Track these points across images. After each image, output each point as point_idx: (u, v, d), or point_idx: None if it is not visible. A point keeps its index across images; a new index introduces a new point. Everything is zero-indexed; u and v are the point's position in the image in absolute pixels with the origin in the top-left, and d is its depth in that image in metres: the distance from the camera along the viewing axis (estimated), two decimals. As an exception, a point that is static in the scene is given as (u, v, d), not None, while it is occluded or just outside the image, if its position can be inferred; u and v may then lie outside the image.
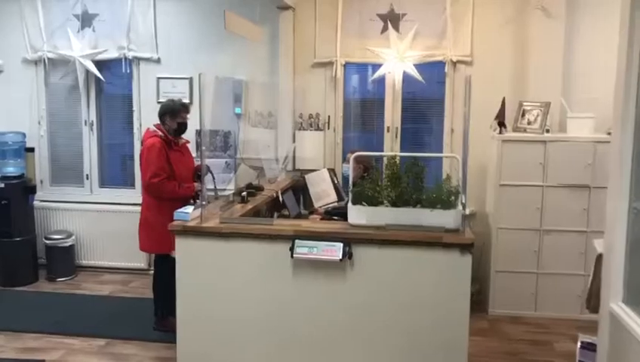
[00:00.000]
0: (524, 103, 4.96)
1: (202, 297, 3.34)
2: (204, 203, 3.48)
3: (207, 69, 5.58)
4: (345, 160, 4.63)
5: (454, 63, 5.24)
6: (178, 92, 5.65)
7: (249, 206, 3.94)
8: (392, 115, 5.44)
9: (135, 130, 5.77)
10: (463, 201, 3.14)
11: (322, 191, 5.25)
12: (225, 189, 4.72)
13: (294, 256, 3.13)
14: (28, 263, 5.56)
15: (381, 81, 5.39)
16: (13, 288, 5.40)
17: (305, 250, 3.11)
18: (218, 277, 3.31)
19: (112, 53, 5.67)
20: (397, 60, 5.20)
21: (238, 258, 3.27)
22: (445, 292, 3.09)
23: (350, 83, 5.53)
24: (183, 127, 4.41)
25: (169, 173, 4.22)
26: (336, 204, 5.20)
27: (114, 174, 6.05)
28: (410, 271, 3.11)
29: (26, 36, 5.75)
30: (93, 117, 5.86)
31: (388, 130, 5.46)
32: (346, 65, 5.43)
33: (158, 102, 5.62)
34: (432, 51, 5.24)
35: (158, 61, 5.67)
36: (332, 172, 5.39)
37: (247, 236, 3.23)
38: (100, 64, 5.71)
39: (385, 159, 3.49)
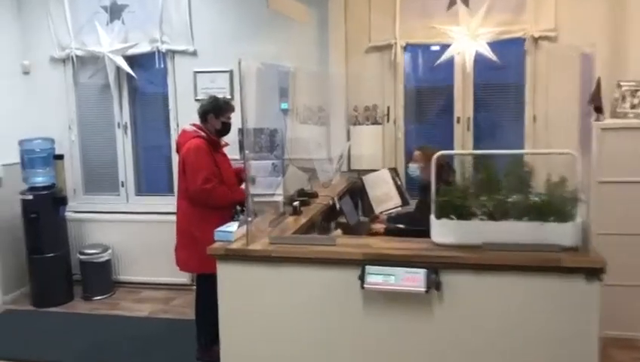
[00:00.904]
0: (623, 84, 4.13)
1: (249, 333, 2.70)
2: (249, 218, 2.84)
3: (247, 61, 4.98)
4: (412, 159, 3.91)
5: (536, 40, 4.44)
6: (217, 87, 5.05)
7: (303, 219, 3.29)
8: (463, 102, 4.68)
9: (172, 131, 5.20)
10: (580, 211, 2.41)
11: (383, 195, 4.57)
12: (273, 194, 4.09)
13: (365, 286, 2.45)
14: (62, 281, 5.08)
15: (448, 64, 4.64)
16: (47, 309, 4.93)
17: (379, 278, 2.42)
18: (268, 310, 2.66)
19: (143, 47, 5.12)
20: (468, 39, 4.44)
21: (292, 287, 2.61)
22: (565, 332, 2.35)
23: (412, 68, 4.80)
24: (227, 128, 3.85)
25: (219, 178, 3.64)
26: (400, 208, 4.52)
27: (151, 180, 5.52)
28: (517, 304, 2.39)
29: (52, 33, 5.26)
30: (126, 118, 5.33)
31: (458, 121, 4.71)
32: (407, 47, 4.70)
33: (196, 100, 5.07)
34: (509, 27, 4.45)
35: (194, 54, 5.09)
36: (394, 172, 4.69)
37: (304, 261, 2.56)
38: (131, 60, 5.16)
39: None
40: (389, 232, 3.90)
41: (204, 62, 5.08)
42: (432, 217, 2.55)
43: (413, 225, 3.80)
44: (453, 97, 4.70)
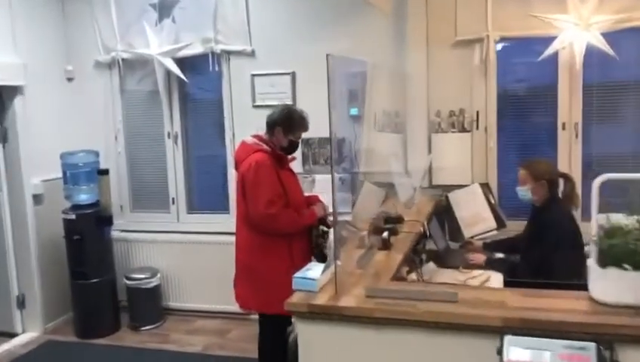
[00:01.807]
0: None
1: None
2: (338, 262, 2.20)
3: (312, 62, 4.37)
4: (519, 180, 3.20)
5: (662, 28, 3.67)
6: (278, 92, 4.47)
7: (396, 255, 2.64)
8: (570, 106, 3.93)
9: (227, 142, 4.64)
10: None
11: (475, 216, 3.88)
12: (342, 213, 3.47)
13: (506, 363, 1.77)
14: (108, 309, 4.58)
15: (550, 60, 3.90)
16: (91, 340, 4.43)
17: (526, 354, 1.75)
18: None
19: (196, 48, 4.57)
20: (578, 29, 3.69)
21: (400, 357, 1.96)
22: None
23: (506, 66, 4.07)
24: (294, 147, 3.28)
25: (285, 200, 3.05)
26: (495, 232, 3.82)
27: (205, 197, 4.97)
28: None
29: (97, 35, 4.78)
30: (177, 127, 4.80)
31: (563, 128, 3.96)
32: (501, 42, 3.99)
33: (254, 106, 4.51)
34: (629, 13, 3.68)
35: (252, 54, 4.51)
36: (486, 188, 3.99)
37: (415, 324, 1.91)
38: (182, 62, 4.62)
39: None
40: (492, 265, 3.22)
41: (262, 64, 4.49)
42: (591, 264, 1.86)
43: (528, 260, 3.10)
44: (557, 99, 3.96)
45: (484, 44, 3.97)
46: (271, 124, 3.21)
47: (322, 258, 3.18)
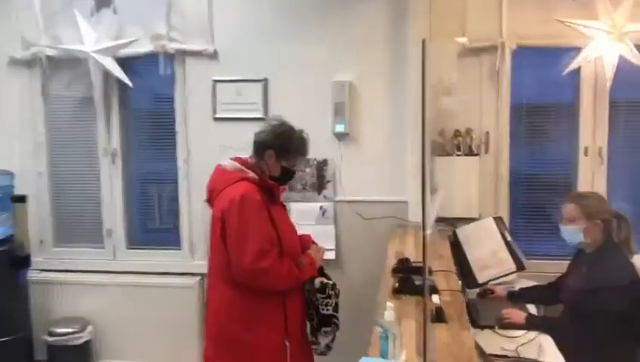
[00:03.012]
0: None
1: None
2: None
3: (288, 67, 3.64)
4: (565, 217, 2.58)
5: (699, 42, 3.22)
6: (246, 102, 3.68)
7: (464, 333, 1.90)
8: (594, 127, 3.41)
9: (180, 162, 3.79)
10: None
11: (489, 256, 3.22)
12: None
13: None
14: (21, 375, 3.57)
15: (570, 75, 3.37)
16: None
17: None
18: None
19: (143, 46, 3.70)
20: (611, 38, 3.17)
21: None
22: None
23: (521, 79, 3.49)
24: (287, 176, 2.46)
25: (279, 247, 2.27)
26: (514, 276, 3.21)
27: (150, 228, 4.05)
28: None
29: (14, 25, 3.80)
30: (116, 143, 3.88)
31: (586, 153, 3.42)
32: (517, 51, 3.40)
33: (215, 119, 3.69)
34: (664, 23, 3.22)
35: (214, 56, 3.69)
36: (501, 223, 3.36)
37: None
38: (125, 63, 3.74)
39: None
40: (534, 324, 2.56)
41: (227, 68, 3.69)
42: None
43: (580, 321, 2.46)
44: (579, 119, 3.43)
45: (497, 53, 3.38)
46: (260, 146, 2.41)
47: (323, 322, 2.42)
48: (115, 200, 3.90)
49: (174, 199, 3.86)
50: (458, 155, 3.50)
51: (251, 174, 2.35)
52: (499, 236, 3.31)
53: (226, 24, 3.66)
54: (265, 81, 3.65)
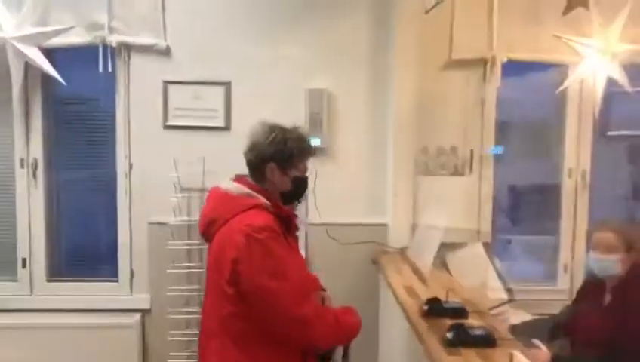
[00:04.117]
0: None
1: None
2: None
3: (255, 70, 3.18)
4: (595, 243, 2.38)
5: (681, 65, 3.22)
6: (204, 109, 3.17)
7: None
8: (578, 149, 3.29)
9: (121, 178, 3.17)
10: None
11: (480, 285, 2.98)
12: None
13: None
14: None
15: (551, 93, 3.25)
16: None
17: None
18: None
19: (77, 36, 3.05)
20: (603, 57, 3.07)
21: None
22: None
23: (509, 95, 3.30)
24: (301, 189, 1.99)
25: None
26: (507, 306, 2.98)
27: (77, 257, 3.36)
28: None
29: None
30: (37, 152, 3.17)
31: (569, 175, 3.30)
32: (506, 65, 3.20)
33: (167, 127, 3.15)
34: (647, 44, 3.18)
35: (166, 53, 3.14)
36: (488, 248, 3.15)
37: None
38: (52, 56, 3.08)
39: None
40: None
41: (182, 68, 3.15)
42: None
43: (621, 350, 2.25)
44: (564, 140, 3.30)
45: (486, 67, 3.16)
46: (258, 163, 1.91)
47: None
48: (35, 223, 3.19)
49: (111, 221, 3.22)
50: (442, 175, 3.23)
51: (263, 200, 1.87)
52: (489, 264, 3.10)
53: (182, 16, 3.13)
54: (227, 85, 3.15)
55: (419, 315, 2.09)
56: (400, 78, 3.09)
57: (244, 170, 2.87)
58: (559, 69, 3.23)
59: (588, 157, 3.29)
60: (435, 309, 2.08)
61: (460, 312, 2.09)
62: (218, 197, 1.92)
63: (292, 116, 3.11)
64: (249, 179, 1.93)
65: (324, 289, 2.12)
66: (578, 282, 3.34)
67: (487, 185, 3.27)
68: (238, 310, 1.77)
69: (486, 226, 3.29)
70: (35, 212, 3.18)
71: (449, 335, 1.81)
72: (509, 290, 2.97)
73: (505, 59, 3.15)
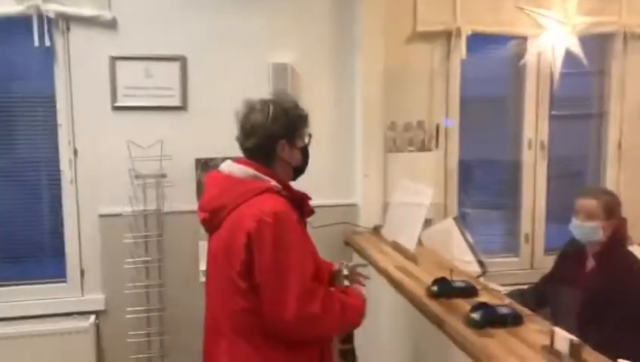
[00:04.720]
0: None
1: None
2: None
3: (214, 43, 2.94)
4: (581, 212, 2.39)
5: (627, 37, 3.34)
6: (157, 87, 2.89)
7: None
8: (537, 121, 3.35)
9: (65, 166, 2.83)
10: None
11: (456, 261, 2.97)
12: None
13: None
14: None
15: (508, 66, 3.28)
16: None
17: None
18: None
19: (6, 6, 2.66)
20: (563, 29, 3.11)
21: None
22: None
23: (471, 69, 3.27)
24: (306, 158, 1.83)
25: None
26: (482, 279, 3.00)
27: (18, 256, 2.96)
28: None
29: None
30: (-41, 141, 2.77)
31: (529, 146, 3.35)
32: (471, 37, 3.17)
33: (115, 108, 2.84)
34: (600, 17, 3.27)
35: (111, 25, 2.81)
36: (459, 223, 3.13)
37: None
38: (-22, 27, 2.67)
39: None
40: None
41: (131, 42, 2.84)
42: None
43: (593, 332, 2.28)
44: (524, 112, 3.34)
45: (451, 39, 3.12)
46: (264, 144, 1.71)
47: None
48: (-38, 221, 2.79)
49: (54, 213, 2.88)
50: (410, 151, 3.17)
51: (273, 182, 1.69)
52: (461, 238, 3.08)
53: (129, -16, 2.82)
54: (182, 60, 2.89)
55: (427, 296, 2.01)
56: (366, 51, 2.97)
57: (203, 152, 2.65)
58: (518, 42, 3.25)
59: (545, 128, 3.35)
60: (444, 289, 2.01)
61: (469, 291, 2.02)
62: (223, 182, 1.72)
63: (253, 93, 2.96)
64: (252, 161, 1.73)
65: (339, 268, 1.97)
66: (539, 252, 3.44)
67: (452, 160, 3.24)
68: (250, 305, 1.60)
69: (452, 201, 3.28)
70: (-36, 209, 2.78)
71: (475, 315, 1.73)
72: (480, 263, 3.00)
73: (469, 32, 3.12)
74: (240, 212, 1.62)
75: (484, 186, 3.47)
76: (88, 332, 2.85)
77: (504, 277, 3.06)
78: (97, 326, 2.90)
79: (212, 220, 1.70)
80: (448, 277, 2.10)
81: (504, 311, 1.77)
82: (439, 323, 1.84)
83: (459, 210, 3.31)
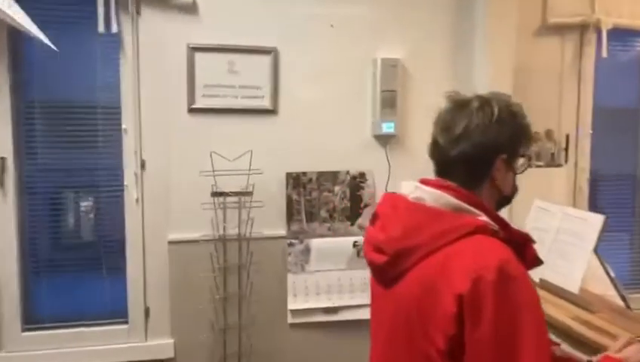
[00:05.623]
0: None
1: None
2: None
3: (308, 34, 2.43)
4: None
5: None
6: (244, 86, 2.36)
7: None
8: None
9: (128, 179, 2.29)
10: None
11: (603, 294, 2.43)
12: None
13: None
14: None
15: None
16: None
17: None
18: None
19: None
20: None
21: None
22: None
23: (607, 69, 2.75)
24: (515, 190, 1.27)
25: None
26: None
27: (63, 294, 2.41)
28: None
29: None
30: (7, 147, 2.22)
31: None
32: (609, 32, 2.65)
33: (192, 110, 2.32)
34: None
35: (191, 9, 2.30)
36: (597, 255, 2.58)
37: None
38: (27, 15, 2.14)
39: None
40: None
41: (213, 30, 2.32)
42: None
43: None
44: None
45: (586, 33, 2.61)
46: (479, 156, 1.16)
47: None
48: (7, 246, 2.23)
49: (115, 242, 2.33)
50: (538, 166, 2.63)
51: (484, 217, 1.14)
52: (601, 269, 2.55)
53: (213, -40, 2.31)
54: (274, 53, 2.37)
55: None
56: (493, 47, 2.46)
57: (295, 165, 2.16)
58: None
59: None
60: None
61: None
62: (408, 212, 1.17)
63: (354, 95, 2.44)
64: (451, 183, 1.19)
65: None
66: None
67: (582, 176, 2.71)
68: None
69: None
70: (8, 227, 2.22)
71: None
72: (623, 298, 2.47)
73: (610, 26, 2.61)
74: (440, 260, 1.08)
75: (616, 205, 2.92)
76: (153, 388, 2.29)
77: None
78: (164, 380, 2.34)
79: (394, 266, 1.15)
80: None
81: None
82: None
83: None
